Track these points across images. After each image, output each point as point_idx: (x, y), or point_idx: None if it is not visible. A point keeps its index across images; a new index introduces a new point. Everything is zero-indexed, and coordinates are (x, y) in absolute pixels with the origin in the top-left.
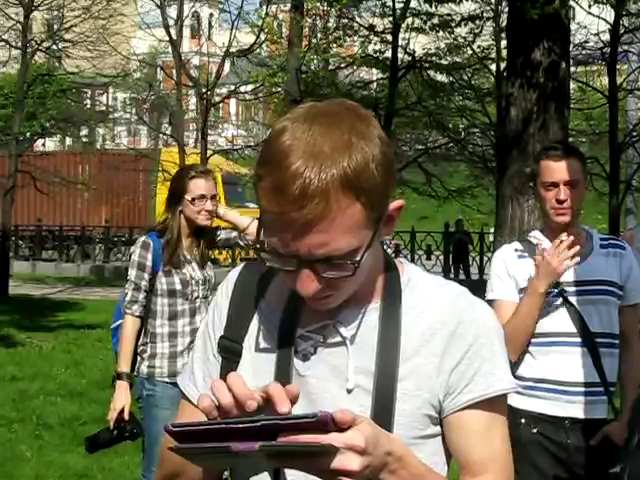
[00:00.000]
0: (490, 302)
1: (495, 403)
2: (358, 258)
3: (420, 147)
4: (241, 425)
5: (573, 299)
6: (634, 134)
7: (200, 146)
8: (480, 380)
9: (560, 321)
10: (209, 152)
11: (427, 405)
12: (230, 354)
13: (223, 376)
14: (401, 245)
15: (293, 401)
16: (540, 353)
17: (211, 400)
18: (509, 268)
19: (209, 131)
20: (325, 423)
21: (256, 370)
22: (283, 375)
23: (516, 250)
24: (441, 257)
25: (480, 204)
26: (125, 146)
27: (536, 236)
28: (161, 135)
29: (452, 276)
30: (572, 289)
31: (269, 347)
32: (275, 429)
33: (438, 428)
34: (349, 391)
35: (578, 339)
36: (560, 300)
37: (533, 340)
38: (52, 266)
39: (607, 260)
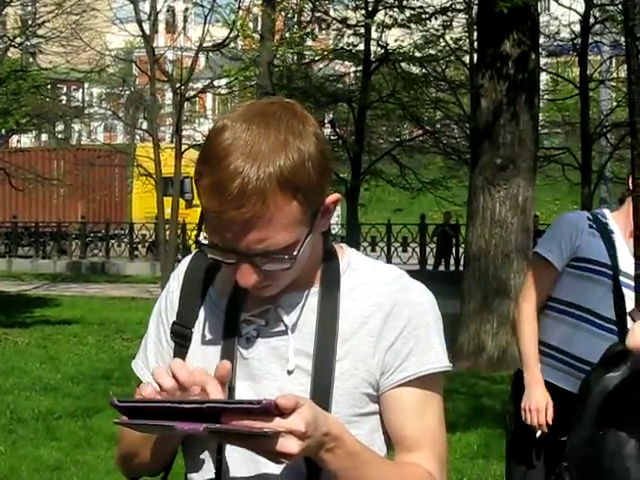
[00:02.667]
0: (536, 254)
1: (429, 381)
2: (295, 252)
3: (394, 139)
4: (187, 405)
5: (626, 291)
6: (606, 124)
7: (175, 140)
8: (414, 359)
9: (603, 303)
10: (184, 147)
11: (365, 384)
12: (181, 339)
13: None
14: (377, 237)
15: (225, 378)
16: (568, 324)
17: (152, 387)
18: (574, 237)
19: (186, 126)
20: (268, 409)
21: (204, 354)
22: (228, 358)
23: (590, 225)
24: (417, 249)
25: (455, 196)
26: (100, 142)
27: (605, 215)
28: (137, 130)
29: (431, 268)
30: (628, 282)
31: (216, 332)
32: (220, 411)
33: (376, 406)
34: (289, 372)
35: (613, 327)
36: (611, 284)
37: (567, 309)
38: (28, 263)
39: None
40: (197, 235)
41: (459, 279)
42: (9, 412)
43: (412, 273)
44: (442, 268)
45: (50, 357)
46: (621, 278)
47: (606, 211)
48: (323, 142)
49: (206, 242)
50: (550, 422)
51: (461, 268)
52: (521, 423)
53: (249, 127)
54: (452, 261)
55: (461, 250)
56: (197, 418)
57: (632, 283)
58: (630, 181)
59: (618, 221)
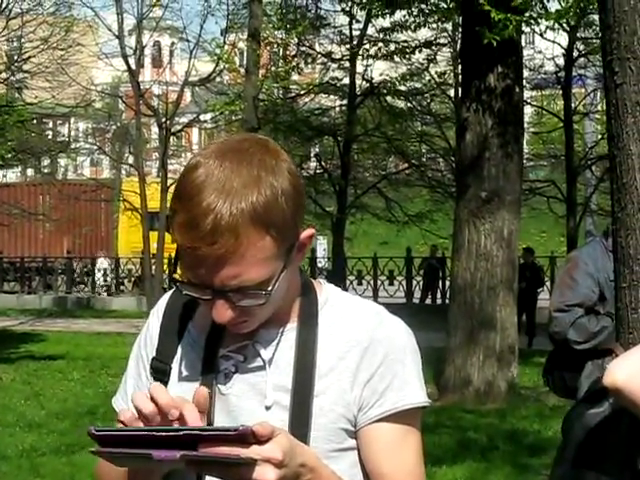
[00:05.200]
0: None
1: (406, 417)
2: (270, 288)
3: (380, 173)
4: (164, 433)
5: None
6: (591, 156)
7: (160, 175)
8: (391, 395)
9: None
10: (170, 181)
11: (343, 419)
12: (160, 375)
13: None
14: (363, 271)
15: (203, 405)
16: None
17: (132, 413)
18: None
19: (172, 160)
20: (245, 436)
21: (183, 390)
22: (204, 387)
23: None
24: (404, 282)
25: (441, 229)
26: (86, 177)
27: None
28: (123, 165)
29: (418, 301)
30: None
31: (195, 367)
32: (197, 439)
33: (355, 441)
34: (268, 408)
35: None
36: None
37: None
38: (14, 298)
39: None
40: (172, 272)
41: (446, 312)
42: None
43: (399, 306)
44: (429, 301)
45: (35, 393)
46: None
47: None
48: (296, 177)
49: (181, 279)
50: None
51: (447, 301)
52: None
53: (222, 164)
54: (439, 294)
55: (448, 283)
56: (174, 446)
57: None
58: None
59: None
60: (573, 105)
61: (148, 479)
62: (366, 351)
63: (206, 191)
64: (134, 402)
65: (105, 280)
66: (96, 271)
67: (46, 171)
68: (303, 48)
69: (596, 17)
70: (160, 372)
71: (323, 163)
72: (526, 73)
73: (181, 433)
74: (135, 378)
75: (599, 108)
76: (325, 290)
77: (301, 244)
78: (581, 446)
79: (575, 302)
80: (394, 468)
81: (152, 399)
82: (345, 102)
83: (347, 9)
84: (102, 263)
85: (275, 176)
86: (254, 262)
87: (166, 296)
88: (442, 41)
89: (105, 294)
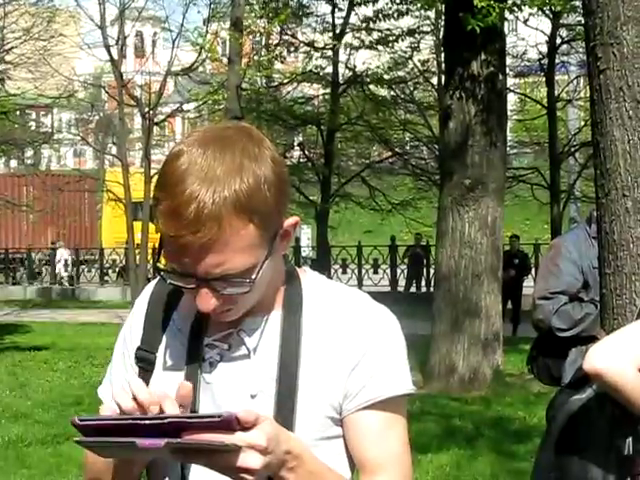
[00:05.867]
0: None
1: (392, 404)
2: (254, 276)
3: (363, 161)
4: (148, 421)
5: None
6: (574, 143)
7: (144, 165)
8: (376, 382)
9: None
10: (153, 171)
11: (328, 407)
12: (145, 364)
13: None
14: (348, 260)
15: (186, 399)
16: None
17: (113, 410)
18: None
19: (155, 150)
20: (230, 423)
21: (168, 379)
22: (187, 381)
23: None
24: (388, 271)
25: (425, 217)
26: (70, 167)
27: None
28: (106, 155)
29: (402, 289)
30: None
31: (180, 356)
32: (181, 427)
33: (340, 429)
34: (253, 396)
35: None
36: None
37: None
38: None
39: None
40: (155, 261)
41: (431, 300)
42: None
43: (383, 295)
44: (413, 289)
45: (20, 384)
46: None
47: None
48: (280, 165)
49: (165, 268)
50: None
51: (432, 289)
52: None
53: (205, 152)
54: (423, 282)
55: (432, 271)
56: (158, 435)
57: None
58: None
59: None
60: (556, 92)
61: (132, 468)
62: (351, 339)
63: (189, 179)
64: (114, 399)
65: (66, 270)
66: (56, 262)
67: (29, 162)
68: (286, 37)
69: (579, 3)
70: (145, 361)
71: (307, 152)
72: (509, 60)
73: (165, 421)
74: (120, 368)
75: (582, 95)
76: (309, 278)
77: (285, 232)
78: (565, 432)
79: (559, 289)
80: (380, 454)
81: (133, 396)
82: (328, 91)
83: None
84: (62, 254)
85: (258, 164)
86: (237, 250)
87: (150, 285)
88: (425, 29)
89: (67, 284)
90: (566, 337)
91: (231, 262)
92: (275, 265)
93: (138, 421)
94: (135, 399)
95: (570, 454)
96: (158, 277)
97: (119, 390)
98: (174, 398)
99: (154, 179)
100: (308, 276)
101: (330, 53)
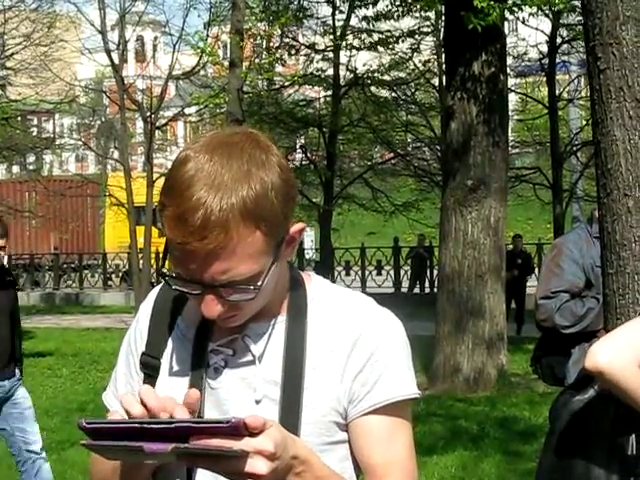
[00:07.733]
0: None
1: (397, 409)
2: (260, 283)
3: (365, 163)
4: (155, 426)
5: None
6: (576, 142)
7: (146, 169)
8: (381, 387)
9: None
10: (156, 175)
11: (333, 412)
12: (150, 370)
13: None
14: (351, 261)
15: (194, 407)
16: None
17: (121, 415)
18: None
19: (157, 154)
20: (237, 428)
21: (173, 385)
22: (196, 389)
23: None
24: (392, 272)
25: (428, 218)
26: (72, 172)
27: None
28: (108, 160)
29: (406, 291)
30: None
31: (185, 362)
32: (189, 432)
33: (345, 434)
34: (257, 402)
35: None
36: None
37: None
38: None
39: None
40: (161, 266)
41: (434, 301)
42: None
43: (387, 296)
44: (417, 290)
45: None
46: None
47: None
48: (287, 172)
49: (170, 273)
50: None
51: (436, 290)
52: None
53: (212, 158)
54: (427, 283)
55: (435, 272)
56: (165, 439)
57: None
58: None
59: None
60: (557, 92)
61: (139, 473)
62: (355, 344)
63: (196, 186)
64: (123, 405)
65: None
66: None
67: (31, 168)
68: (286, 40)
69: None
70: (150, 367)
71: (309, 154)
72: (510, 60)
73: (173, 425)
74: (125, 373)
75: (583, 94)
76: (314, 283)
77: (291, 238)
78: (568, 433)
79: (561, 288)
80: (386, 459)
81: (142, 402)
82: (330, 93)
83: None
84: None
85: (265, 170)
86: (244, 257)
87: (155, 291)
88: (425, 30)
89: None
90: (571, 335)
91: (237, 269)
92: (280, 271)
93: (145, 425)
94: (144, 405)
95: (573, 455)
96: (163, 282)
97: (129, 397)
98: (181, 404)
99: (156, 183)
100: (313, 281)
101: (331, 55)
